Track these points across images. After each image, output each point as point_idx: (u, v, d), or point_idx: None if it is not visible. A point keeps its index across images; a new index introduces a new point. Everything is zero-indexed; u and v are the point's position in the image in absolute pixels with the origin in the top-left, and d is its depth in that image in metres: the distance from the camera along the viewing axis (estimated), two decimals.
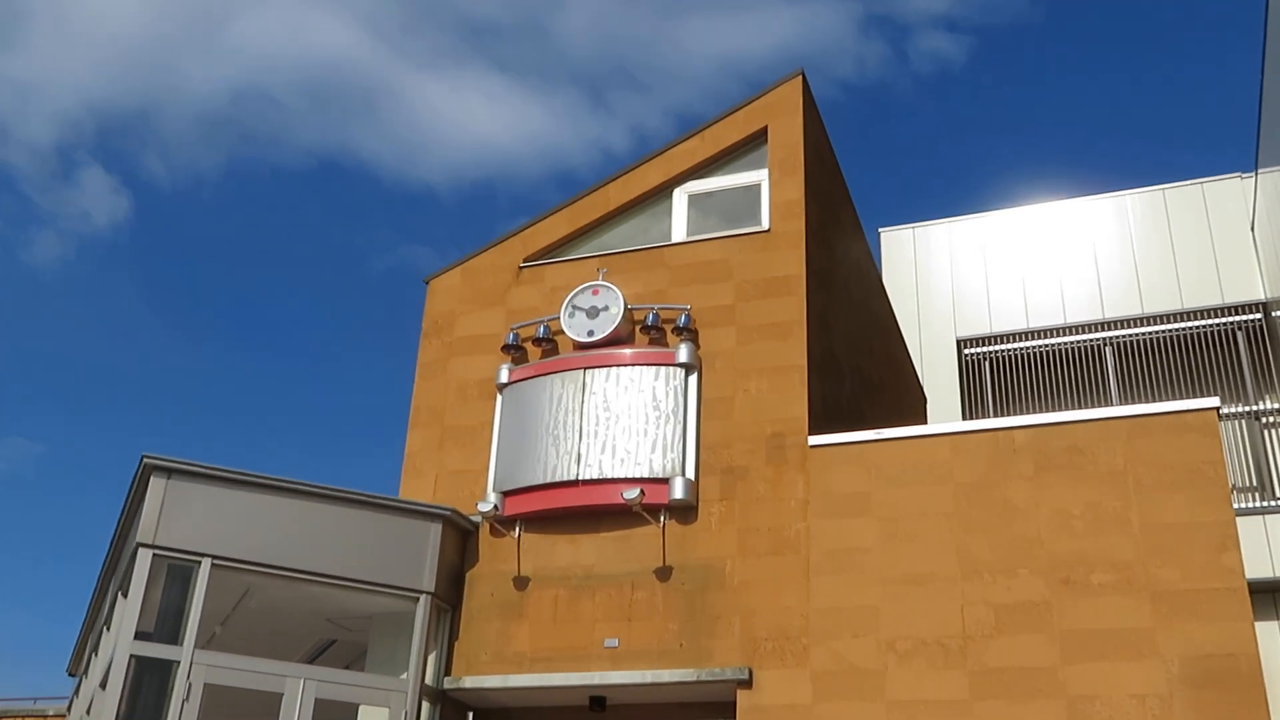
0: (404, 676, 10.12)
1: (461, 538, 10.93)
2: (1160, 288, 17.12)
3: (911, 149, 39.59)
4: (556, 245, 12.10)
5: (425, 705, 10.10)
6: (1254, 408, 14.51)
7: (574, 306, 11.35)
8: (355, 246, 37.70)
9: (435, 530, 10.52)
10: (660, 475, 10.36)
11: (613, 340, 11.14)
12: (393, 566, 10.30)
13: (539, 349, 11.46)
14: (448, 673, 10.42)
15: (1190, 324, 15.56)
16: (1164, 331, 15.67)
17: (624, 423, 10.65)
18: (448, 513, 10.64)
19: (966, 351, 16.93)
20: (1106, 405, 15.64)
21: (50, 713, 16.38)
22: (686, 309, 11.06)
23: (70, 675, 13.30)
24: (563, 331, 11.34)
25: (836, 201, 12.74)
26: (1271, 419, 14.44)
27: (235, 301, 34.12)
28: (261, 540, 9.94)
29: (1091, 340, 16.14)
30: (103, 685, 9.29)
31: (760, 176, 11.59)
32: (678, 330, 10.95)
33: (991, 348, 16.64)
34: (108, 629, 10.17)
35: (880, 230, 19.98)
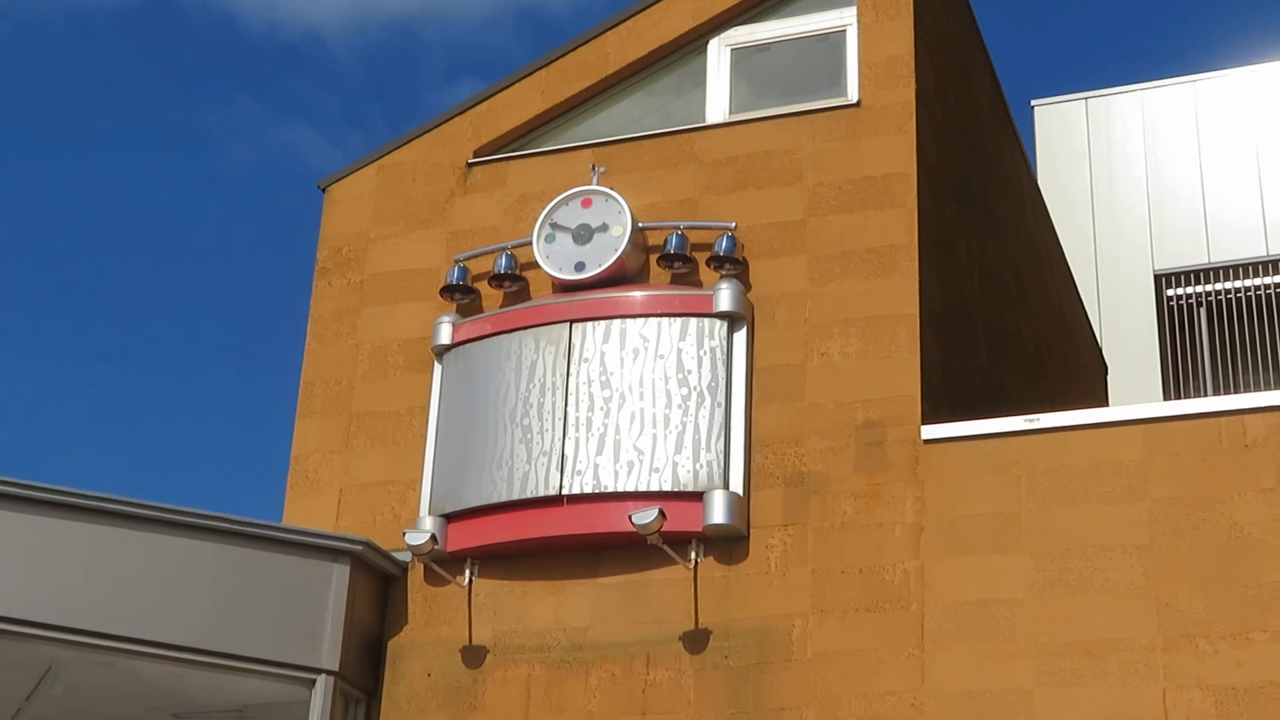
0: None
1: (381, 587, 11.06)
2: None
3: None
4: (526, 130, 12.18)
5: None
6: None
7: (554, 225, 11.48)
8: (201, 128, 37.15)
9: (339, 575, 10.65)
10: (690, 488, 10.50)
11: (615, 277, 11.29)
12: (273, 632, 10.45)
13: (499, 292, 11.62)
14: None
15: None
16: None
17: (633, 406, 10.80)
18: (359, 548, 10.72)
19: (1171, 293, 17.05)
20: None
21: None
22: (730, 228, 11.18)
23: None
24: (537, 264, 11.45)
25: (966, 59, 12.80)
26: None
27: (5, 222, 33.38)
28: (68, 592, 10.08)
29: None
30: None
31: (845, 19, 11.73)
32: (717, 261, 11.09)
33: (1210, 286, 16.77)
34: None
35: (1034, 104, 20.16)
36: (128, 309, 35.36)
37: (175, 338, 35.63)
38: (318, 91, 38.20)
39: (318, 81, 38.38)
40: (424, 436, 11.40)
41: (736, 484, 10.52)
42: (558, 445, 10.80)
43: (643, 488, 10.56)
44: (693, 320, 10.95)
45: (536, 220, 11.54)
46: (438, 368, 11.55)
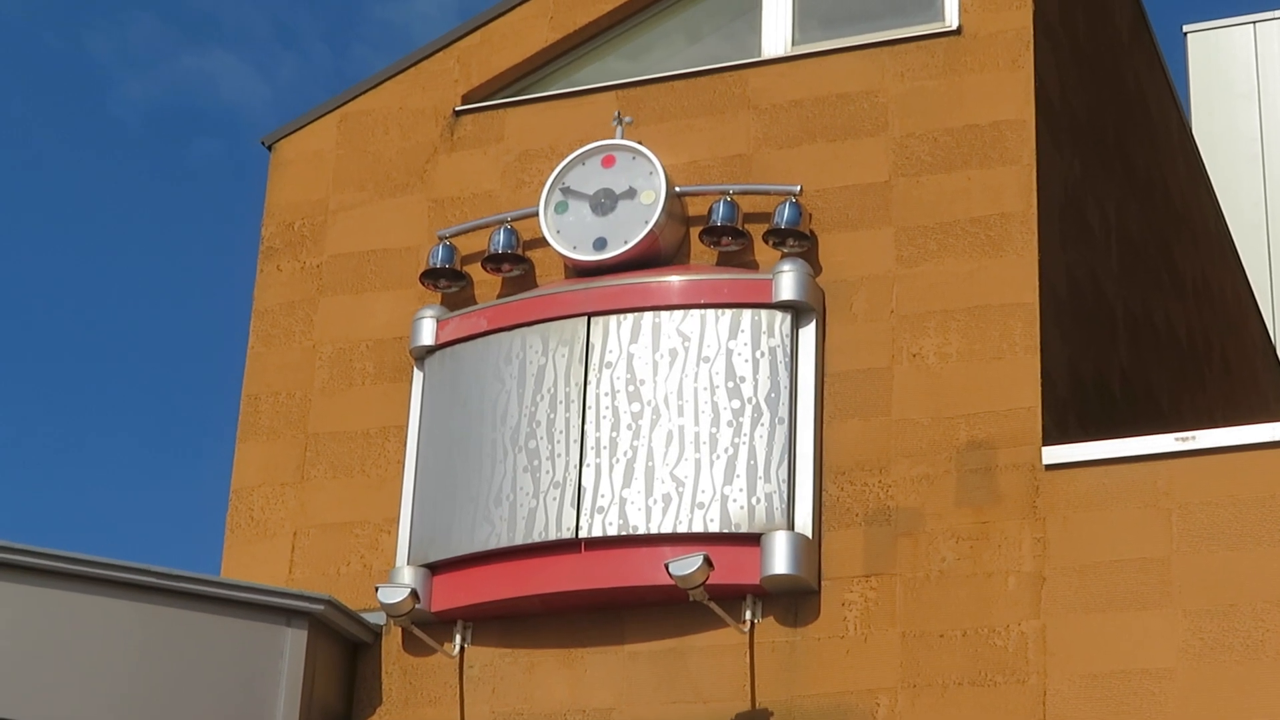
0: None
1: (347, 657, 10.87)
2: None
3: None
4: (529, 69, 11.90)
5: None
6: None
7: (567, 191, 11.10)
8: (87, 55, 36.53)
9: (294, 642, 10.41)
10: (744, 529, 10.13)
11: (645, 257, 10.94)
12: (210, 715, 10.17)
13: (497, 277, 11.31)
14: None
15: None
16: None
17: (669, 423, 10.44)
18: (318, 607, 10.45)
19: None
20: None
21: None
22: (795, 193, 10.71)
23: None
24: (545, 241, 11.07)
25: None
26: None
27: None
28: None
29: None
30: None
31: None
32: (777, 236, 10.69)
33: None
34: None
35: (1187, 30, 19.98)
36: (30, 326, 33.16)
37: (65, 340, 33.71)
38: (252, 13, 36.02)
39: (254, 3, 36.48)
40: (401, 464, 11.10)
41: (804, 524, 10.13)
42: (573, 475, 10.44)
43: (683, 529, 10.17)
44: (746, 312, 10.56)
45: (544, 185, 11.16)
46: (418, 375, 11.22)
